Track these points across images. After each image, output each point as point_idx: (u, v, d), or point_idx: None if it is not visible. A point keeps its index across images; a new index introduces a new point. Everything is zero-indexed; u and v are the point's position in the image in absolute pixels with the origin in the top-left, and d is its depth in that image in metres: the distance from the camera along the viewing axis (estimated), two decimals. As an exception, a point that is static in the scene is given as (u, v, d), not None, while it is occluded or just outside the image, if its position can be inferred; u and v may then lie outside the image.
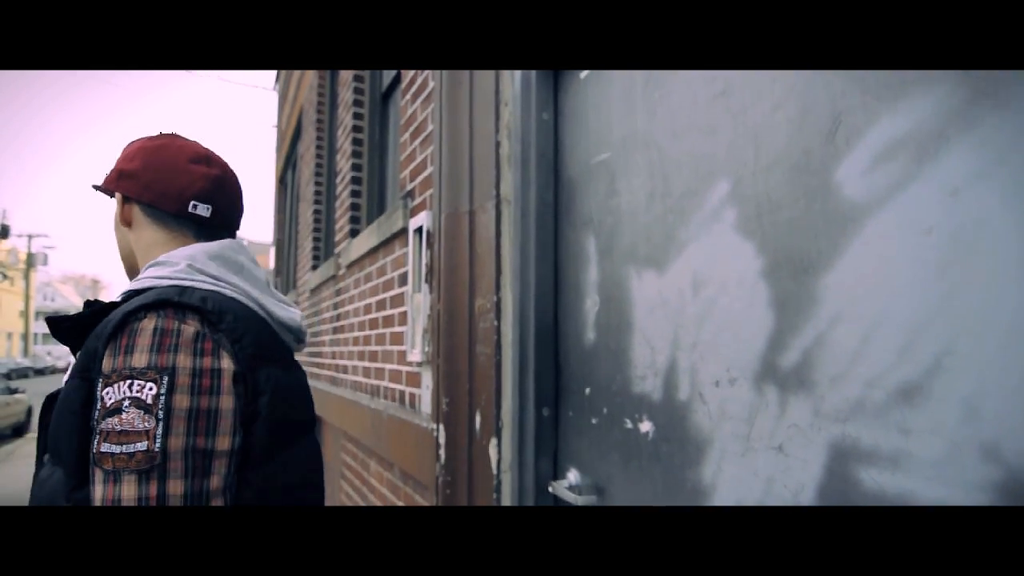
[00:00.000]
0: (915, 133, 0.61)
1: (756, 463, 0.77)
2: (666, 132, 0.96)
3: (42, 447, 0.79)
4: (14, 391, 9.38)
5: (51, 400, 0.80)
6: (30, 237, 34.04)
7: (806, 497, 0.71)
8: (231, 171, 0.94)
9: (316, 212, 4.39)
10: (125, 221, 0.89)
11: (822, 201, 0.70)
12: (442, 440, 1.57)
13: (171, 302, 0.72)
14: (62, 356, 40.82)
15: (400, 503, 2.01)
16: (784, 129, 0.76)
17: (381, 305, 2.32)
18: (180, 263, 0.80)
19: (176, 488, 0.66)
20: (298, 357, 4.66)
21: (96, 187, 0.93)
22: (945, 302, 0.58)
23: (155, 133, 0.94)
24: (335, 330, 3.19)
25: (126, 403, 0.66)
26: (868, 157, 0.66)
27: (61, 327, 0.79)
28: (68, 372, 0.77)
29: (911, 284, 0.61)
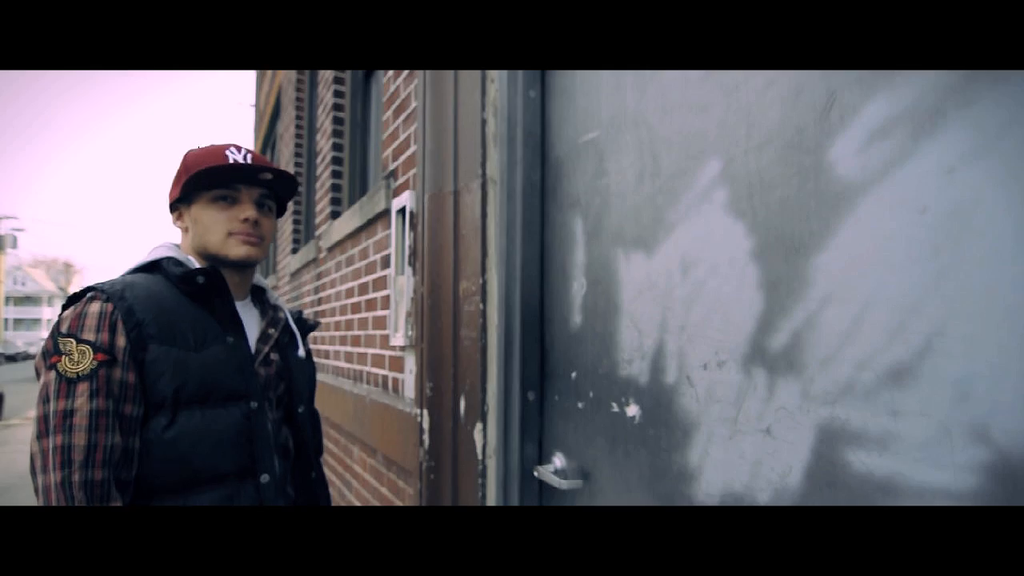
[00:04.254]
0: (911, 110, 0.60)
1: (743, 446, 0.77)
2: (656, 110, 0.94)
3: (299, 399, 1.11)
4: (-15, 377, 9.11)
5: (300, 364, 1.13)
6: (-2, 219, 32.93)
7: (793, 479, 0.70)
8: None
9: (296, 194, 4.29)
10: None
11: (815, 180, 0.69)
12: (426, 425, 1.55)
13: None
14: (35, 343, 39.84)
15: (384, 489, 2.00)
16: (777, 106, 0.74)
17: (363, 289, 2.28)
18: None
19: None
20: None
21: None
22: (938, 283, 0.57)
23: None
24: (316, 315, 3.14)
25: None
26: (862, 135, 0.64)
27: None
28: (301, 348, 1.14)
29: (904, 264, 0.60)
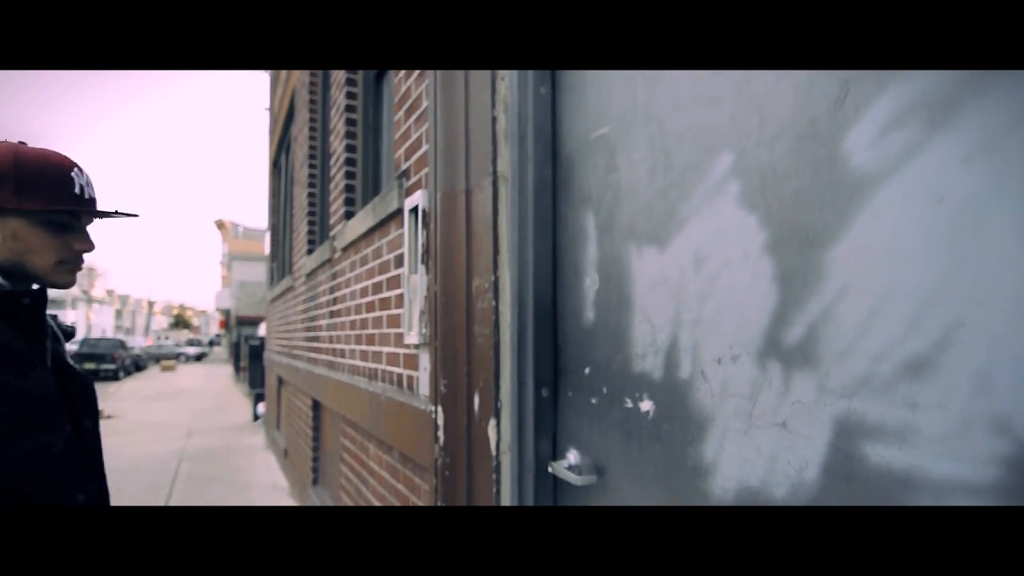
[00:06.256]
0: (927, 98, 0.59)
1: (759, 440, 0.76)
2: (667, 104, 0.94)
3: (84, 413, 0.97)
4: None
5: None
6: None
7: (810, 474, 0.70)
8: None
9: (311, 195, 4.34)
10: None
11: (829, 171, 0.68)
12: (440, 422, 1.56)
13: None
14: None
15: (400, 485, 2.01)
16: (790, 98, 0.73)
17: (377, 288, 2.30)
18: None
19: None
20: (296, 341, 4.63)
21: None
22: (956, 273, 0.56)
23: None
24: (332, 314, 3.17)
25: None
26: (877, 125, 0.63)
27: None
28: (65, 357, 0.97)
29: (921, 255, 0.59)
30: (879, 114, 0.63)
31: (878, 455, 0.63)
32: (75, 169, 0.92)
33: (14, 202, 0.85)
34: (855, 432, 0.65)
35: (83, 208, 0.91)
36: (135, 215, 1.01)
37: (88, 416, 0.98)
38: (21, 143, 0.91)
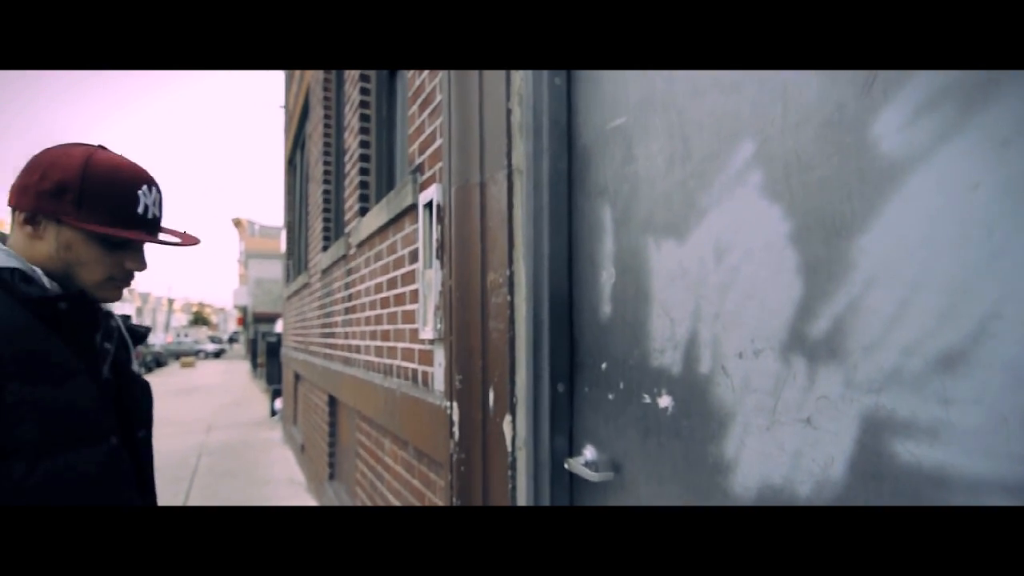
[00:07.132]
0: (961, 80, 0.57)
1: (782, 437, 0.74)
2: (686, 91, 0.92)
3: (139, 421, 0.95)
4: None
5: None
6: (47, 223, 34.33)
7: (836, 471, 0.68)
8: None
9: (325, 192, 4.37)
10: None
11: (857, 158, 0.66)
12: (456, 417, 1.55)
13: None
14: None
15: (415, 481, 2.02)
16: (815, 82, 0.71)
17: (392, 283, 2.30)
18: None
19: None
20: (312, 337, 4.67)
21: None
22: (992, 262, 0.54)
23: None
24: (347, 310, 3.19)
25: None
26: (908, 109, 0.61)
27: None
28: (135, 362, 0.98)
29: (955, 243, 0.57)
30: (910, 97, 0.61)
31: (908, 452, 0.60)
32: (144, 187, 0.88)
33: (73, 215, 0.82)
34: (884, 428, 0.63)
35: (138, 234, 0.86)
36: (197, 241, 0.95)
37: (142, 426, 0.94)
38: (101, 147, 0.88)
